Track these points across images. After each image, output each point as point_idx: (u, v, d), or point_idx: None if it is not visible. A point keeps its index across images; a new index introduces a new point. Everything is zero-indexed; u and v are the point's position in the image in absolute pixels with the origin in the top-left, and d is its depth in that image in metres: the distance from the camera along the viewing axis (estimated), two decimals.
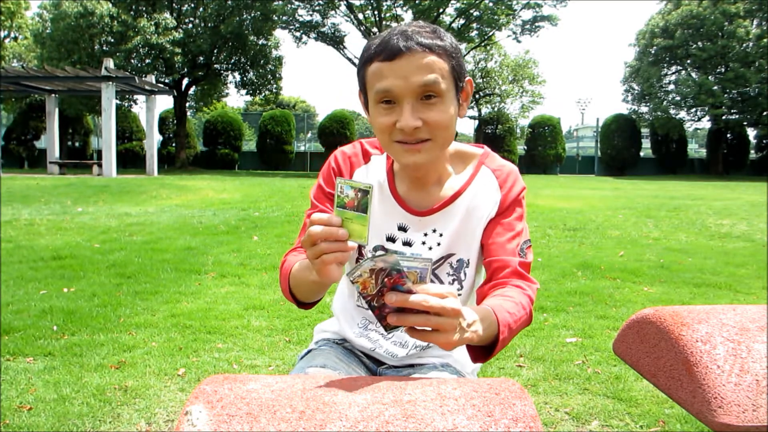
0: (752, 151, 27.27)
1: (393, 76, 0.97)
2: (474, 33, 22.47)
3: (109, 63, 14.52)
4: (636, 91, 27.09)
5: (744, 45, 23.89)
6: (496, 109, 24.95)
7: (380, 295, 0.74)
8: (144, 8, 19.78)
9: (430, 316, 0.72)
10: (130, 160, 22.64)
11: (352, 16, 22.44)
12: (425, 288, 0.73)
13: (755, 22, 24.22)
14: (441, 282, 1.12)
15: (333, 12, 22.31)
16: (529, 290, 1.03)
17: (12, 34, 28.07)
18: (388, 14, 22.24)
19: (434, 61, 0.97)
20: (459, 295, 1.10)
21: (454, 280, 1.11)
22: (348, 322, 1.22)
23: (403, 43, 0.96)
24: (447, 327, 0.72)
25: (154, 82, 17.54)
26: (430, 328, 0.73)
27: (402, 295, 0.72)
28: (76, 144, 23.58)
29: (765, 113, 24.25)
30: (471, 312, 0.80)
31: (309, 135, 28.87)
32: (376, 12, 22.00)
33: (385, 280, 0.73)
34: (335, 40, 22.83)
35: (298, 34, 22.28)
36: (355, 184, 0.77)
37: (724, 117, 24.61)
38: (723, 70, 24.76)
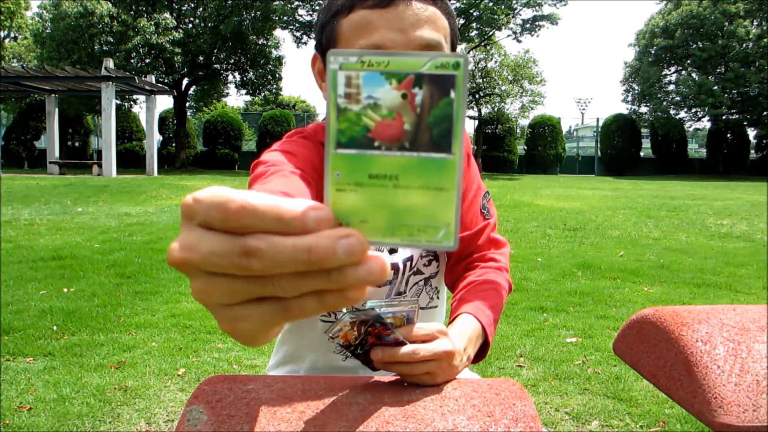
0: (752, 151, 27.26)
1: (387, 28, 0.73)
2: (474, 33, 22.47)
3: (109, 63, 14.52)
4: (636, 91, 27.09)
5: (744, 45, 23.89)
6: (496, 109, 24.95)
7: (364, 343, 0.69)
8: (144, 8, 19.78)
9: (419, 364, 0.66)
10: (130, 160, 22.64)
11: None
12: (414, 332, 0.68)
13: (755, 22, 24.22)
14: (419, 270, 0.99)
15: None
16: (503, 260, 0.96)
17: (12, 34, 28.08)
18: None
19: (438, 17, 0.76)
20: (428, 263, 0.99)
21: (431, 261, 0.99)
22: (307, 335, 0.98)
23: None
24: (437, 370, 0.67)
25: (154, 82, 17.54)
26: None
27: (389, 350, 0.66)
28: (76, 144, 23.58)
29: (765, 113, 24.25)
30: (462, 336, 0.76)
31: None
32: None
33: (369, 329, 0.66)
34: None
35: (298, 34, 22.30)
36: (408, 62, 0.29)
37: (724, 117, 24.61)
38: (723, 70, 24.76)
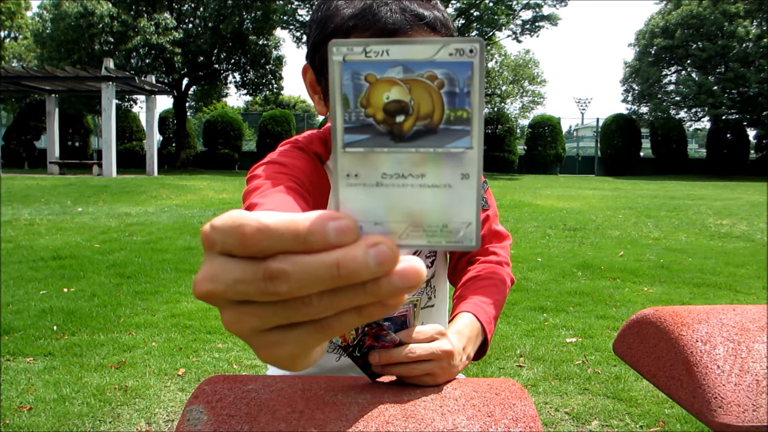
0: (752, 151, 27.25)
1: None
2: (474, 33, 22.46)
3: (109, 63, 14.52)
4: (636, 91, 27.09)
5: (744, 45, 23.88)
6: (496, 109, 24.96)
7: (362, 344, 0.68)
8: (144, 8, 19.78)
9: (418, 365, 0.67)
10: (130, 160, 22.64)
11: None
12: (414, 336, 0.68)
13: (755, 22, 24.22)
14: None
15: None
16: (503, 253, 0.96)
17: (12, 34, 28.08)
18: None
19: None
20: (431, 265, 0.98)
21: (433, 261, 0.99)
22: None
23: (399, 15, 0.70)
24: (437, 371, 0.67)
25: (154, 82, 17.54)
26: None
27: (386, 353, 0.66)
28: (76, 144, 23.58)
29: (765, 113, 24.25)
30: (461, 335, 0.76)
31: None
32: None
33: (366, 329, 0.66)
34: None
35: (298, 34, 22.31)
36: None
37: (724, 117, 24.60)
38: (723, 70, 24.76)
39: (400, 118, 0.27)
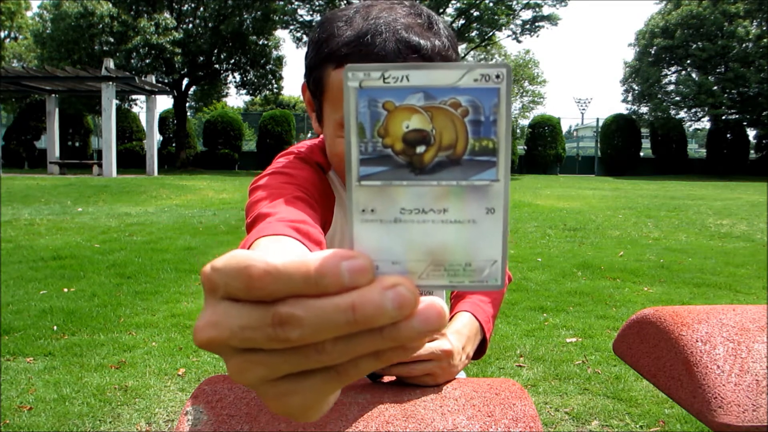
0: (752, 151, 27.25)
1: None
2: (474, 33, 22.47)
3: (109, 63, 14.52)
4: (636, 91, 27.10)
5: (744, 45, 23.89)
6: None
7: None
8: (144, 8, 19.79)
9: (418, 365, 0.67)
10: (130, 160, 22.64)
11: None
12: None
13: (755, 22, 24.23)
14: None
15: None
16: None
17: (12, 34, 28.09)
18: None
19: None
20: None
21: None
22: None
23: (393, 45, 0.67)
24: (437, 370, 0.67)
25: (154, 82, 17.54)
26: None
27: None
28: (76, 144, 23.58)
29: (765, 113, 24.25)
30: (460, 335, 0.76)
31: (309, 135, 28.90)
32: None
33: None
34: None
35: (298, 34, 22.31)
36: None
37: (724, 117, 24.61)
38: (723, 70, 24.77)
39: (420, 149, 0.25)
